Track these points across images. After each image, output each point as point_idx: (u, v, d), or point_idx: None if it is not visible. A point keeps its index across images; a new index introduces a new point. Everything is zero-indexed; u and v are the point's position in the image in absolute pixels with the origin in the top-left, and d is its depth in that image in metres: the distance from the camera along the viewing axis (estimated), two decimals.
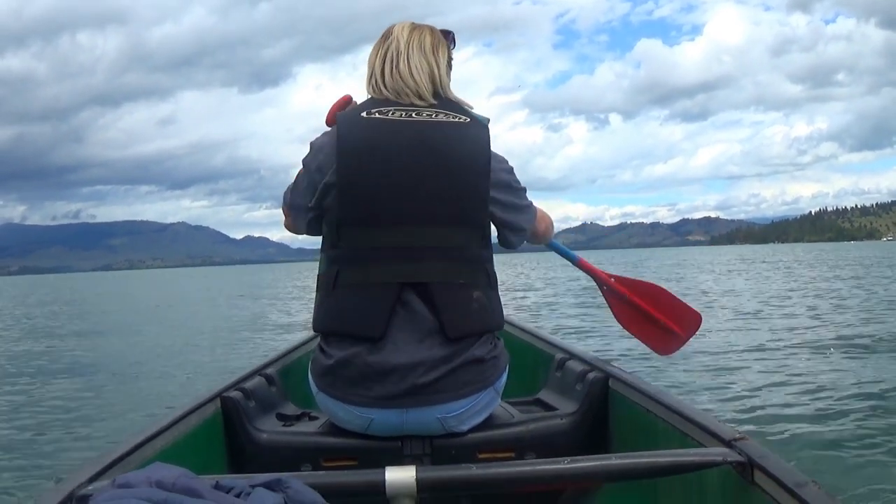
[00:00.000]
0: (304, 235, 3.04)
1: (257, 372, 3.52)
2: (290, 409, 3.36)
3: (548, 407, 3.33)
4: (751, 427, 7.01)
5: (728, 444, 2.34)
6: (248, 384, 3.30)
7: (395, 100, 2.84)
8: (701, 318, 3.86)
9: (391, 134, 2.74)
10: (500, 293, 2.94)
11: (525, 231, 3.01)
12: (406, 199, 2.71)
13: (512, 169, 2.91)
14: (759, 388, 8.90)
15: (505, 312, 3.05)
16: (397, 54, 2.88)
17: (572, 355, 3.68)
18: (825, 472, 5.75)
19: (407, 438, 2.81)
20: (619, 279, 3.85)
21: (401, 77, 2.85)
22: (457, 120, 2.81)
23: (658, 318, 3.79)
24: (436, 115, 2.79)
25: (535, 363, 4.04)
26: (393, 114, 2.78)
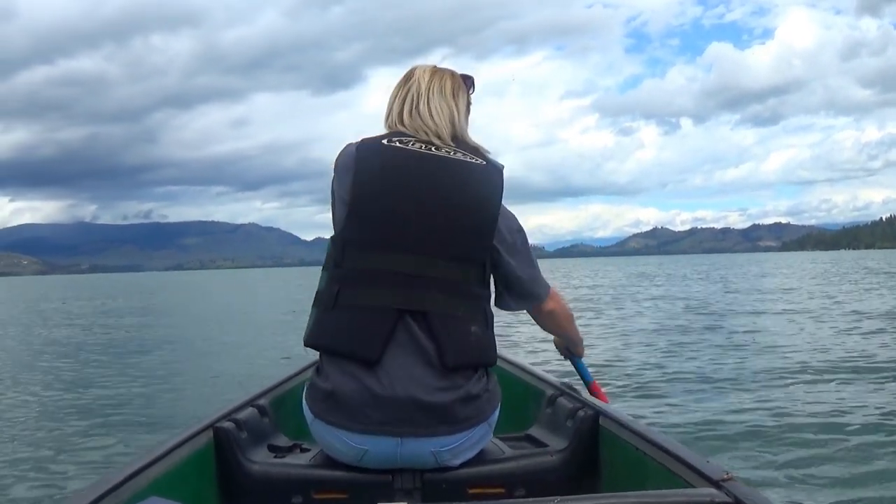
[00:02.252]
0: None
1: (250, 403, 3.53)
2: (282, 440, 3.38)
3: (538, 443, 3.34)
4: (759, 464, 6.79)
5: (716, 484, 2.35)
6: (241, 415, 3.30)
7: (413, 135, 2.90)
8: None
9: (408, 163, 2.81)
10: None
11: (526, 297, 3.07)
12: (415, 227, 2.76)
13: (521, 230, 2.98)
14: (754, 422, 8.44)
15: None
16: (418, 96, 2.97)
17: (563, 392, 3.67)
18: None
19: (398, 472, 2.83)
20: None
21: (420, 117, 2.93)
22: (474, 161, 2.87)
23: None
24: (454, 154, 2.86)
25: (527, 399, 4.02)
26: (413, 144, 2.86)
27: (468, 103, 3.10)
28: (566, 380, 3.92)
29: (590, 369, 3.94)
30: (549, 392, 3.74)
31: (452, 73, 3.07)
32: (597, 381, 3.84)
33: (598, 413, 3.26)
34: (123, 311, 34.34)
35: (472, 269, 2.82)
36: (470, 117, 3.13)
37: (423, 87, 2.98)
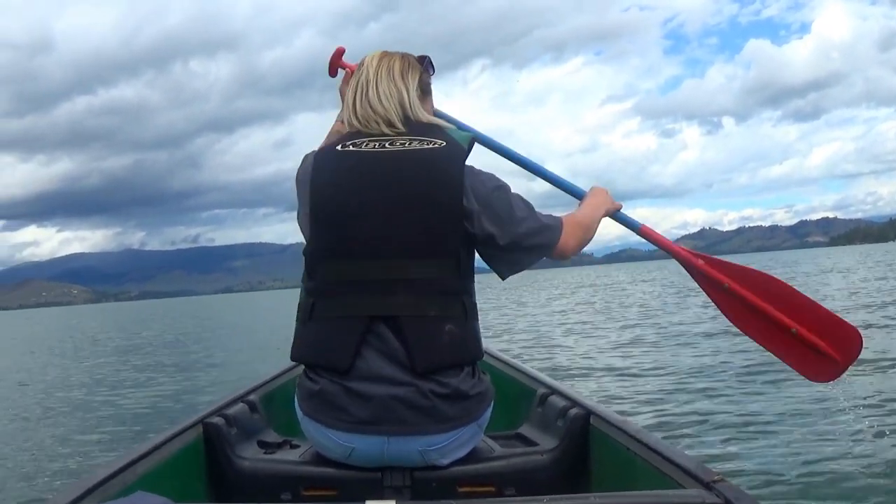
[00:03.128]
0: None
1: (240, 398, 3.53)
2: (272, 436, 3.37)
3: (529, 442, 3.31)
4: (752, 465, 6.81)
5: (706, 485, 2.34)
6: (231, 410, 3.31)
7: (366, 129, 2.86)
8: (861, 338, 3.11)
9: (362, 167, 2.77)
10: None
11: (535, 250, 2.92)
12: (375, 233, 2.72)
13: (498, 188, 2.84)
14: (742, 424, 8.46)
15: (487, 345, 3.09)
16: (367, 83, 2.92)
17: (554, 391, 3.65)
18: None
19: (388, 469, 2.81)
20: (715, 263, 3.27)
21: (370, 105, 2.88)
22: (430, 146, 2.79)
23: (794, 327, 3.10)
24: (409, 143, 2.80)
25: (517, 397, 4.01)
26: (367, 145, 2.81)
27: (424, 83, 3.03)
28: (557, 379, 3.93)
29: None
30: (541, 391, 3.72)
31: (403, 55, 3.02)
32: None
33: (589, 412, 3.24)
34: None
35: (445, 263, 2.75)
36: (433, 98, 3.11)
37: (371, 73, 2.93)
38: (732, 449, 7.35)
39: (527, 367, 4.37)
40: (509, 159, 3.46)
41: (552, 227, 2.93)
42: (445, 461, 2.83)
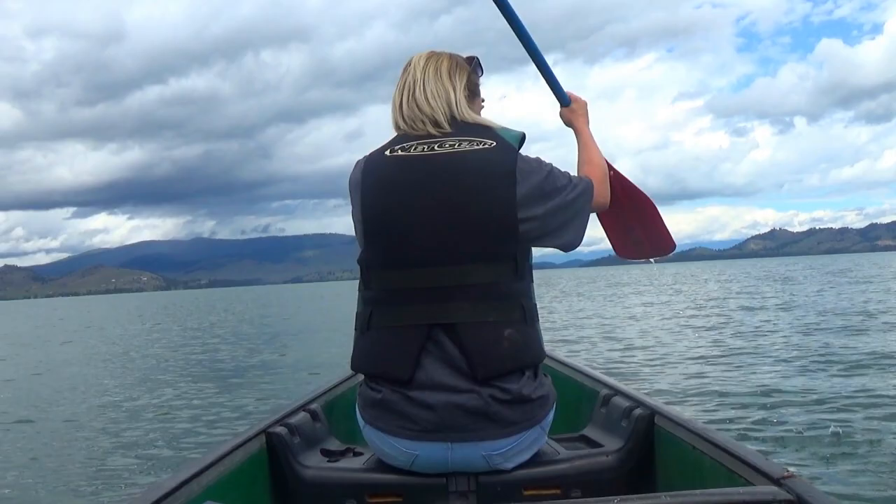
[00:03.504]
0: None
1: (302, 407, 3.53)
2: (335, 444, 3.38)
3: (593, 444, 3.31)
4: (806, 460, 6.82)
5: (776, 482, 2.32)
6: (293, 420, 3.32)
7: (413, 132, 2.83)
8: (674, 246, 3.84)
9: (412, 172, 2.74)
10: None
11: (579, 213, 2.92)
12: (428, 239, 2.69)
13: (548, 173, 2.82)
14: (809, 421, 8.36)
15: (548, 347, 3.07)
16: (413, 83, 2.89)
17: (617, 391, 3.63)
18: None
19: (452, 475, 2.80)
20: (617, 174, 3.59)
21: (417, 105, 2.86)
22: (480, 147, 2.75)
23: (635, 225, 3.72)
24: (458, 145, 2.76)
25: (580, 399, 3.99)
26: (415, 149, 2.78)
27: (473, 83, 2.99)
28: (620, 379, 3.87)
29: None
30: (604, 392, 3.70)
31: (450, 55, 2.98)
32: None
33: (654, 412, 3.22)
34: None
35: (501, 267, 2.71)
36: (483, 99, 3.08)
37: (419, 73, 2.89)
38: (803, 448, 7.25)
39: (588, 368, 4.34)
40: (518, 35, 3.31)
41: (583, 180, 2.96)
42: (510, 465, 2.81)
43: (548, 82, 3.42)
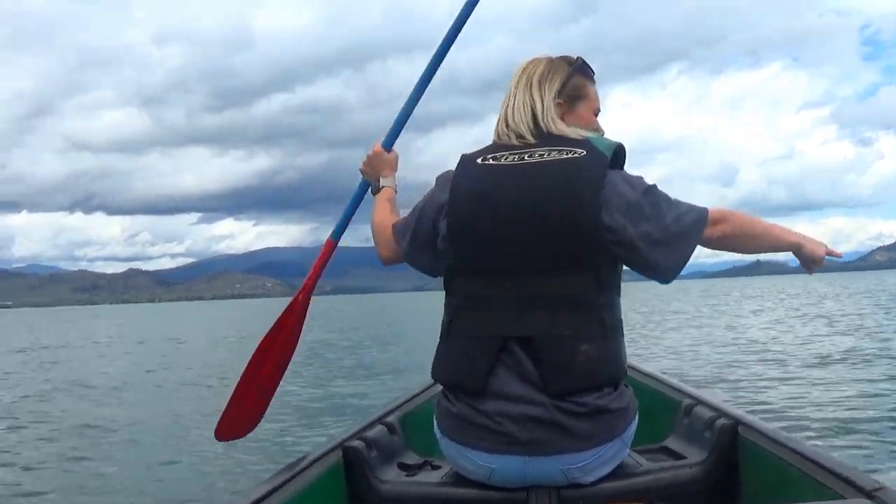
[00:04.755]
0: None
1: (378, 420, 3.52)
2: (412, 457, 3.36)
3: (676, 455, 3.26)
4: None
5: (869, 494, 2.27)
6: (370, 433, 3.31)
7: (506, 142, 2.80)
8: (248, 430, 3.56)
9: (501, 181, 2.70)
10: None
11: (679, 242, 2.68)
12: (509, 250, 2.65)
13: (646, 191, 2.67)
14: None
15: (630, 358, 3.04)
16: (507, 96, 2.87)
17: (699, 401, 3.55)
18: None
19: (532, 489, 2.74)
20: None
21: (505, 118, 2.84)
22: (570, 156, 2.68)
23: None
24: (548, 154, 2.70)
25: (661, 409, 3.89)
26: (506, 159, 2.75)
27: (574, 87, 2.88)
28: (701, 388, 3.82)
29: None
30: (685, 402, 3.62)
31: (549, 60, 2.90)
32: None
33: (738, 422, 3.14)
34: None
35: (582, 280, 2.62)
36: (599, 102, 2.97)
37: (512, 85, 2.86)
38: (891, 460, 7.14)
39: (669, 378, 4.28)
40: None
41: (697, 208, 2.71)
42: (590, 479, 2.74)
43: (397, 124, 3.44)
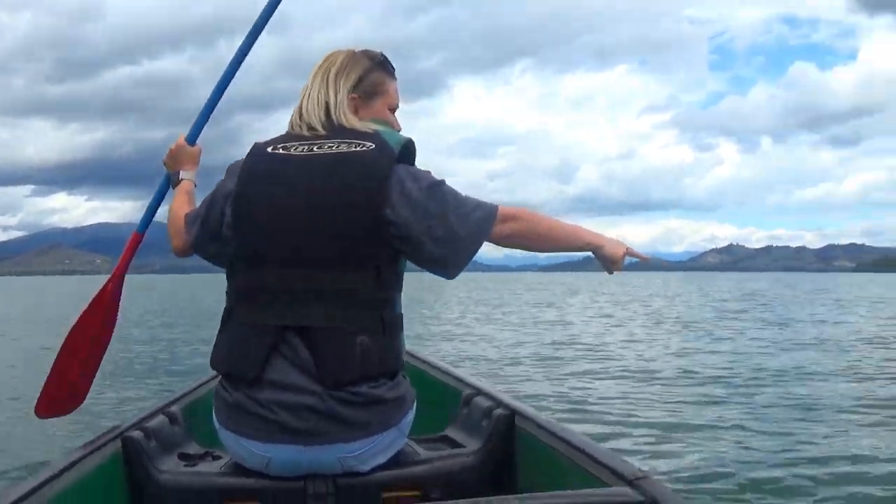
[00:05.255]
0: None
1: (160, 410, 3.45)
2: (194, 448, 3.31)
3: (454, 444, 3.28)
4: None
5: (630, 483, 2.35)
6: (151, 423, 3.23)
7: (298, 133, 2.79)
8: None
9: (287, 171, 2.69)
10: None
11: (467, 241, 2.72)
12: (290, 241, 2.64)
13: (431, 185, 2.69)
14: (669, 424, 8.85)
15: (410, 347, 3.07)
16: (307, 85, 2.88)
17: (479, 391, 3.61)
18: None
19: (310, 478, 2.74)
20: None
21: (300, 109, 2.84)
22: (358, 149, 2.68)
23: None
24: (337, 147, 2.70)
25: (443, 399, 3.93)
26: (296, 149, 2.73)
27: (372, 83, 2.92)
28: (482, 379, 3.88)
29: None
30: (466, 392, 3.67)
31: (349, 53, 2.93)
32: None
33: (514, 412, 3.21)
34: None
35: (362, 275, 2.64)
36: (398, 98, 3.01)
37: (311, 76, 2.88)
38: (662, 449, 7.55)
39: (451, 367, 4.34)
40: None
41: (486, 205, 2.75)
42: (366, 467, 2.76)
43: (201, 117, 3.44)
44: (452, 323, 26.50)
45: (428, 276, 2.90)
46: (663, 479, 5.70)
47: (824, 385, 11.60)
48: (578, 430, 3.20)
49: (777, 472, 6.68)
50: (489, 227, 2.72)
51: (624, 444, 7.69)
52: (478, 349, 16.16)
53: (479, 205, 2.74)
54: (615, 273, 2.99)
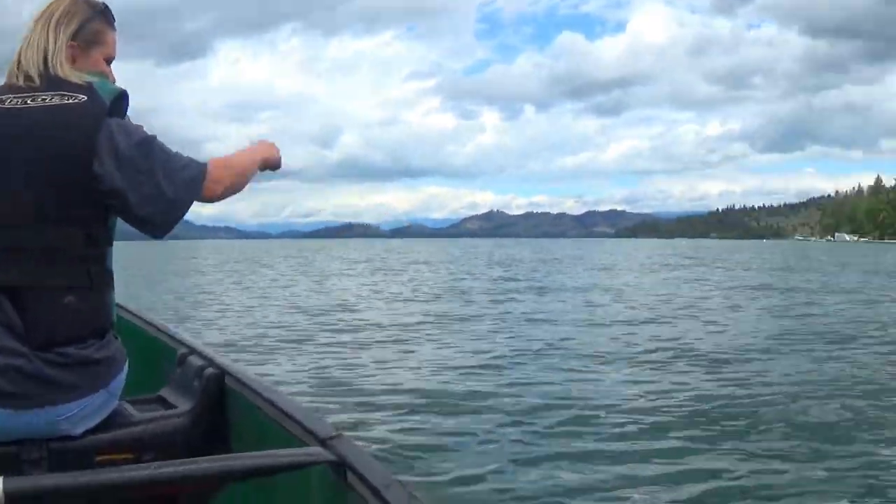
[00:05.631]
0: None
1: None
2: None
3: (168, 405, 3.26)
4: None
5: (323, 442, 2.39)
6: None
7: (15, 84, 2.68)
8: None
9: None
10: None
11: (178, 202, 2.67)
12: None
13: (142, 142, 2.62)
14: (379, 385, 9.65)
15: (127, 304, 3.14)
16: (28, 33, 2.75)
17: (193, 350, 3.59)
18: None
19: (23, 442, 2.65)
20: None
21: (18, 57, 2.72)
22: (69, 102, 2.59)
23: None
24: (50, 100, 2.61)
25: (159, 359, 3.88)
26: (10, 102, 2.63)
27: (92, 32, 2.82)
28: (196, 337, 3.87)
29: None
30: (181, 351, 3.62)
31: (73, 0, 2.80)
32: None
33: (224, 372, 3.22)
34: None
35: (71, 230, 2.57)
36: (114, 49, 2.92)
37: (33, 21, 2.76)
38: (381, 414, 8.08)
39: (168, 326, 4.22)
40: None
41: (196, 163, 2.72)
42: (78, 430, 2.70)
43: None
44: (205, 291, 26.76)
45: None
46: (357, 439, 5.69)
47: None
48: (285, 391, 3.21)
49: (466, 422, 7.26)
50: (198, 187, 2.70)
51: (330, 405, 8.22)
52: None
53: (188, 163, 2.70)
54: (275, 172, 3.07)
